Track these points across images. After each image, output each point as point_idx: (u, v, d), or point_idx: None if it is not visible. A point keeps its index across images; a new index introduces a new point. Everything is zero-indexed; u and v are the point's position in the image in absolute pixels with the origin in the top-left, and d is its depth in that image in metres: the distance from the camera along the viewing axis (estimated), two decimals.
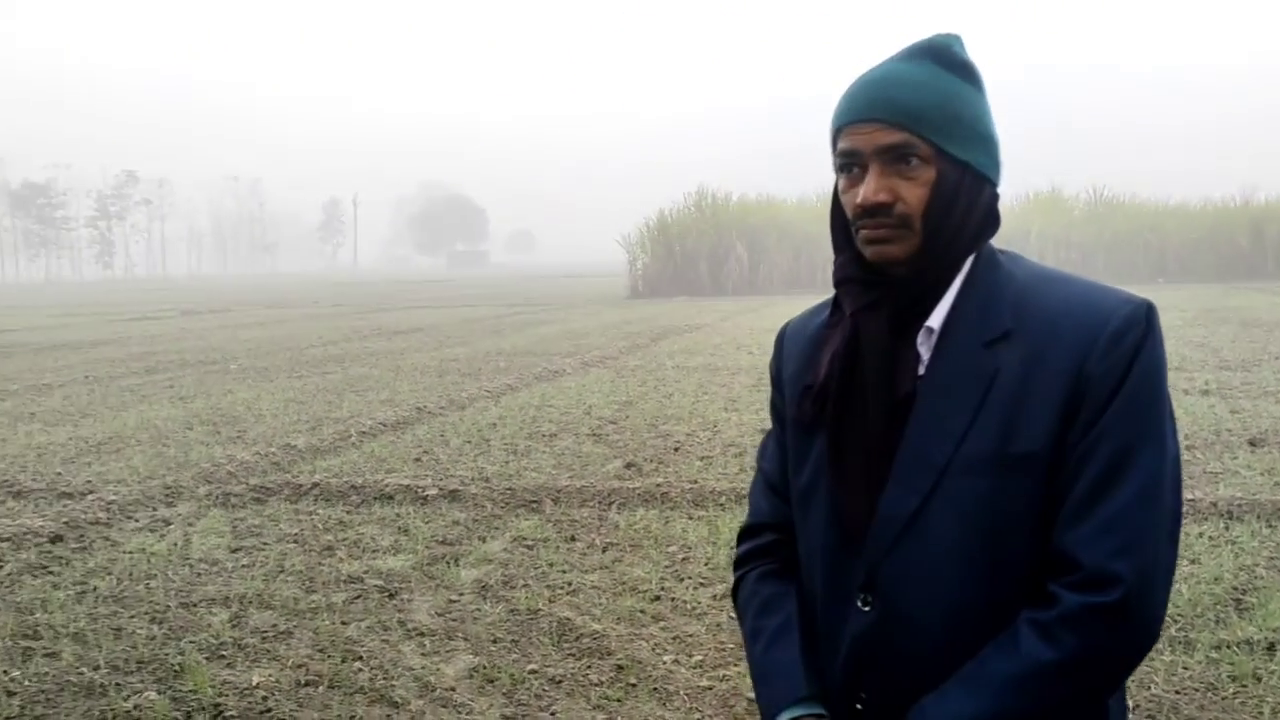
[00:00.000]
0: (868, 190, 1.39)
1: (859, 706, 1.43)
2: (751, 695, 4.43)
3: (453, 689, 4.60)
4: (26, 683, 4.72)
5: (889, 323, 1.43)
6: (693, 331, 24.07)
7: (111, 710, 4.41)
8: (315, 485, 8.44)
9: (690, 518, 7.28)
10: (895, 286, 1.43)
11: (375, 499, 8.07)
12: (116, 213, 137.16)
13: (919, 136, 1.38)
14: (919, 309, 1.43)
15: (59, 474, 9.10)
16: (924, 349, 1.43)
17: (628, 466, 9.03)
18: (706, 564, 6.26)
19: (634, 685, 4.58)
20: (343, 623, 5.45)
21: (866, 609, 1.42)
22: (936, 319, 1.42)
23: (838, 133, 1.45)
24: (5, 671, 4.84)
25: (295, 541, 6.96)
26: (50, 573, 6.40)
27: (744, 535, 1.73)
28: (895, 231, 1.39)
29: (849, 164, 1.43)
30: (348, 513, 7.70)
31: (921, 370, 1.42)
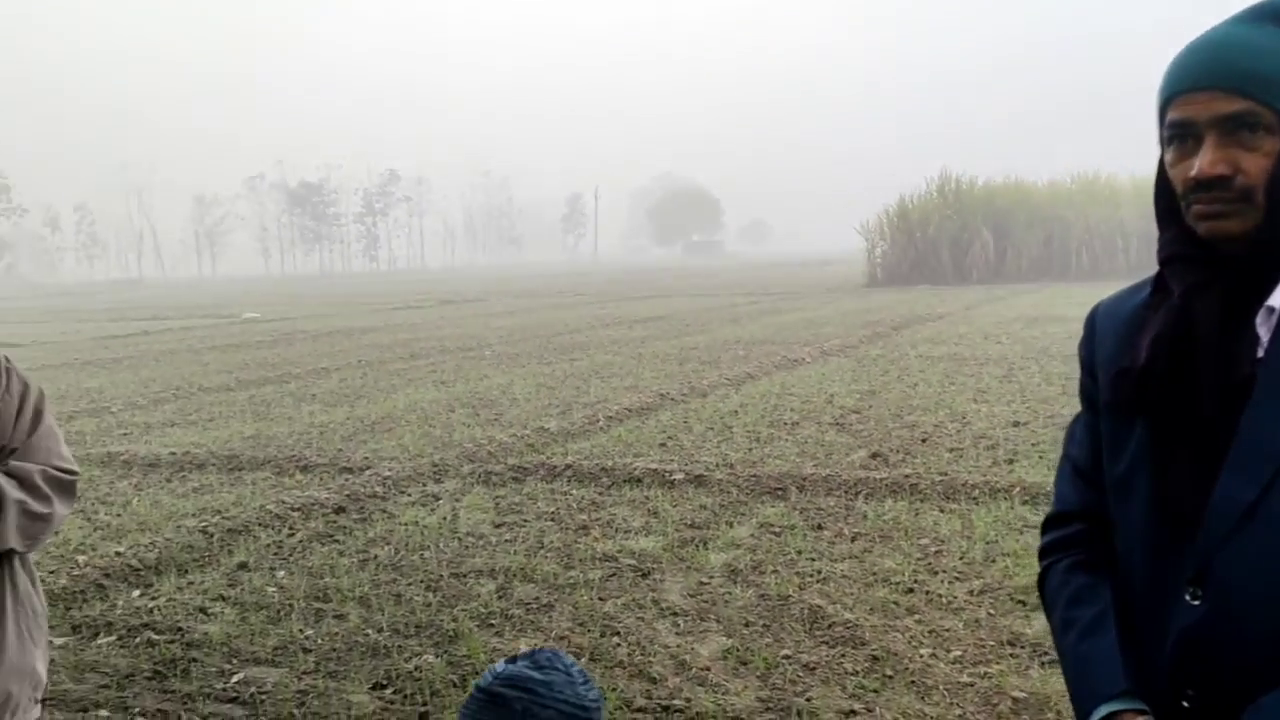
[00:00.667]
0: (1204, 162, 1.31)
1: (1185, 704, 1.36)
2: (1017, 694, 4.29)
3: (707, 669, 4.69)
4: (320, 641, 5.16)
5: (1222, 303, 1.36)
6: (935, 321, 23.37)
7: (395, 670, 4.76)
8: (568, 467, 8.77)
9: (942, 510, 7.10)
10: (1230, 265, 1.36)
11: (625, 481, 8.31)
12: (381, 209, 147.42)
13: (1263, 104, 1.30)
14: (1256, 288, 1.35)
15: (339, 450, 9.88)
16: (1263, 330, 1.34)
17: (873, 456, 8.89)
18: (961, 558, 6.08)
19: (890, 677, 4.52)
20: (600, 599, 5.66)
21: (1196, 602, 1.35)
22: (1279, 298, 1.33)
23: (1167, 102, 1.37)
24: (301, 630, 5.32)
25: (552, 519, 7.27)
26: (335, 541, 6.96)
27: (1050, 524, 1.67)
28: (1233, 206, 1.31)
29: (1181, 135, 1.36)
30: (599, 494, 7.97)
31: (1260, 353, 1.33)
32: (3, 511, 2.13)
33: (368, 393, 14.18)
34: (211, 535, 6.93)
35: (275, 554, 6.65)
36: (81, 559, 6.36)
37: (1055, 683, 4.38)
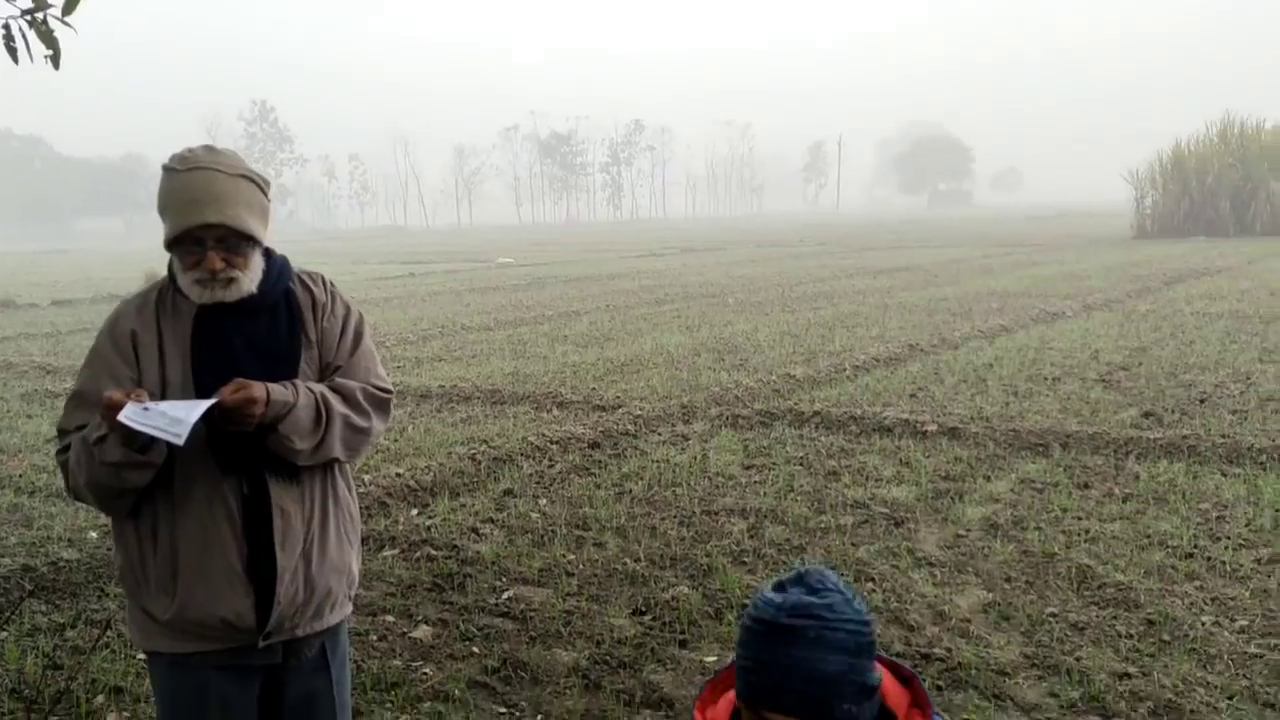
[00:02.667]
0: None
1: None
2: None
3: (968, 620, 4.59)
4: (581, 566, 5.40)
5: None
6: (1213, 275, 21.58)
7: (653, 598, 4.92)
8: (816, 413, 8.73)
9: (1224, 474, 6.60)
10: None
11: (874, 430, 8.18)
12: (625, 159, 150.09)
13: None
14: None
15: (593, 389, 10.22)
16: None
17: (1145, 415, 8.35)
18: (1247, 525, 5.65)
19: (1167, 642, 4.28)
20: (852, 544, 5.63)
21: None
22: None
23: None
24: (563, 555, 5.58)
25: (801, 464, 7.27)
26: (591, 474, 7.23)
27: None
28: None
29: None
30: (848, 441, 7.89)
31: None
32: (330, 424, 2.33)
33: (616, 335, 14.57)
34: (479, 462, 7.36)
35: (537, 483, 6.99)
36: (366, 478, 6.90)
37: None
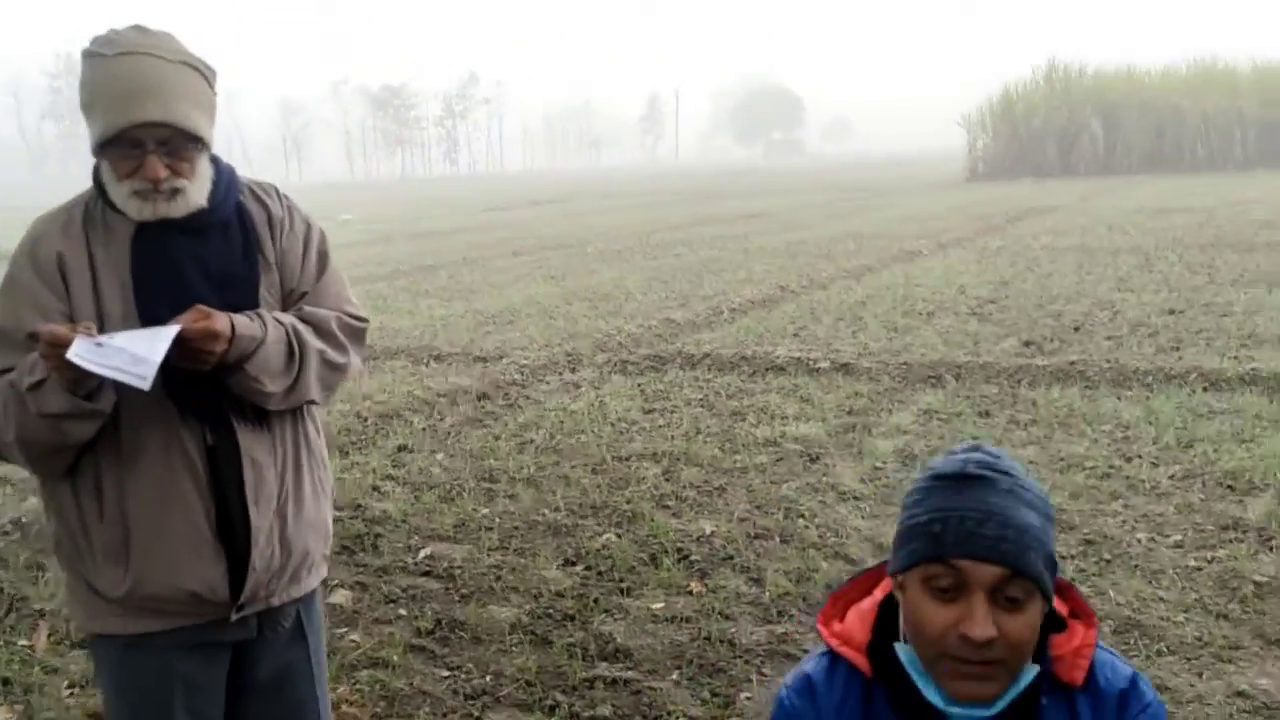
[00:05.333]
0: None
1: None
2: (1258, 579, 4.03)
3: None
4: (498, 520, 5.08)
5: None
6: (1050, 213, 22.49)
7: (582, 548, 4.66)
8: (706, 355, 8.58)
9: (1119, 398, 6.75)
10: None
11: (767, 369, 8.08)
12: (460, 113, 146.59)
13: None
14: None
15: (470, 341, 9.80)
16: None
17: (1026, 345, 8.52)
18: (1154, 444, 5.77)
19: (1109, 561, 4.28)
20: (773, 482, 5.49)
21: None
22: None
23: None
24: (475, 509, 5.24)
25: (703, 406, 7.10)
26: (486, 425, 6.88)
27: None
28: None
29: None
30: (744, 381, 7.77)
31: None
32: (304, 361, 1.96)
33: (480, 288, 14.10)
34: (366, 419, 6.91)
35: (432, 437, 6.60)
36: None
37: None
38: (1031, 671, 1.38)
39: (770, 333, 9.63)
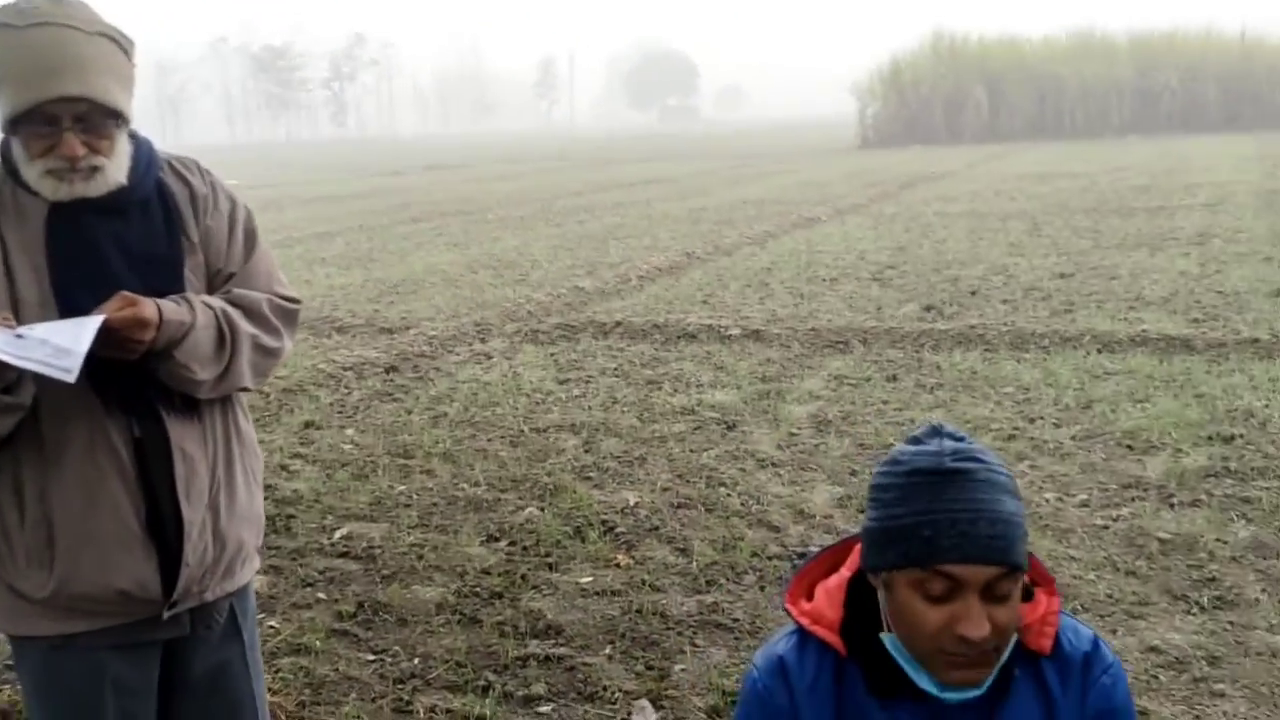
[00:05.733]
0: None
1: None
2: (1163, 535, 4.20)
3: (829, 516, 4.57)
4: (415, 496, 4.99)
5: None
6: (940, 180, 22.99)
7: (505, 523, 4.60)
8: (618, 324, 8.55)
9: (1017, 361, 6.94)
10: None
11: (679, 337, 8.10)
12: (348, 74, 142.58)
13: None
14: None
15: (374, 311, 9.59)
16: None
17: (927, 309, 8.71)
18: (1054, 405, 5.95)
19: None
20: (692, 451, 5.50)
21: None
22: None
23: None
24: (392, 486, 5.14)
25: (617, 375, 7.07)
26: (396, 399, 6.75)
27: None
28: None
29: None
30: (657, 350, 7.77)
31: None
32: (236, 347, 1.86)
33: (380, 256, 13.81)
34: (268, 395, 6.70)
35: (339, 412, 6.44)
36: None
37: (1197, 523, 4.28)
38: (1011, 643, 1.40)
39: (680, 300, 9.65)
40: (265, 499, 4.72)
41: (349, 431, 6.05)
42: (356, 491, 5.05)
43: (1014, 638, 1.39)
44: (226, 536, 1.94)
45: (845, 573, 1.53)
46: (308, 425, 6.18)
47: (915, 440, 1.42)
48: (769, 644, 1.57)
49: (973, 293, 9.33)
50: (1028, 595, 1.46)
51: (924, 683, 1.38)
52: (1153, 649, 3.38)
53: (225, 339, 1.85)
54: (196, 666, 2.00)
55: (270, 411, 6.47)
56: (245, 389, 1.95)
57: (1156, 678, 3.21)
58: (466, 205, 21.25)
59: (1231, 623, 3.54)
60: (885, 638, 1.42)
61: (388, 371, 7.38)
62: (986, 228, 13.82)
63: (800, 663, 1.50)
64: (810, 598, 1.56)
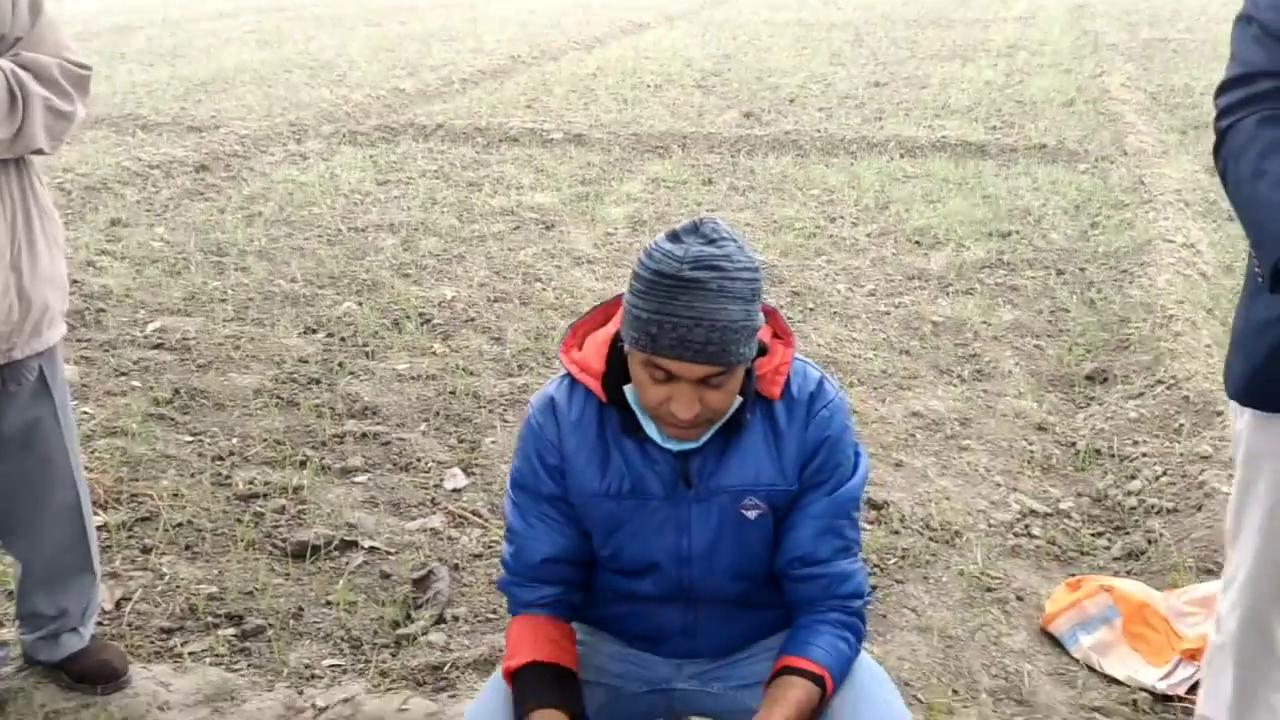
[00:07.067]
0: None
1: None
2: (935, 319, 4.61)
3: None
4: (230, 292, 4.97)
5: None
6: None
7: (322, 316, 4.67)
8: (439, 126, 8.43)
9: (826, 165, 7.25)
10: None
11: (501, 141, 8.07)
12: None
13: None
14: None
15: (180, 109, 9.13)
16: None
17: (746, 116, 8.89)
18: (855, 206, 6.30)
19: (812, 309, 4.76)
20: (510, 249, 5.63)
21: None
22: None
23: None
24: (206, 282, 5.10)
25: (438, 177, 7.05)
26: (208, 198, 6.57)
27: (1229, 86, 1.62)
28: None
29: None
30: (479, 153, 7.74)
31: None
32: (28, 106, 1.87)
33: (186, 52, 12.98)
34: (70, 192, 6.41)
35: (148, 210, 6.25)
36: None
37: (968, 308, 4.72)
38: (735, 405, 1.60)
39: (503, 104, 9.53)
40: (72, 294, 4.65)
41: (159, 229, 5.90)
42: (169, 287, 5.00)
43: (736, 402, 1.59)
44: (31, 297, 1.99)
45: (611, 329, 1.70)
46: (114, 223, 5.98)
47: (674, 236, 1.52)
48: (544, 387, 1.77)
49: (791, 100, 9.55)
50: (764, 351, 1.67)
51: (653, 432, 1.61)
52: (915, 414, 3.80)
53: (16, 98, 1.86)
54: (8, 423, 2.08)
55: (73, 209, 6.21)
56: (40, 151, 1.98)
57: (914, 436, 3.63)
58: (279, 1, 19.97)
59: (985, 390, 4.00)
60: (628, 389, 1.61)
61: (198, 170, 7.13)
62: (811, 37, 13.96)
63: (568, 402, 1.69)
64: (582, 348, 1.74)
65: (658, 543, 1.69)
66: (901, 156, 7.42)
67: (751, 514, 1.67)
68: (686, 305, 1.45)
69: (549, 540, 1.71)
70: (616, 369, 1.63)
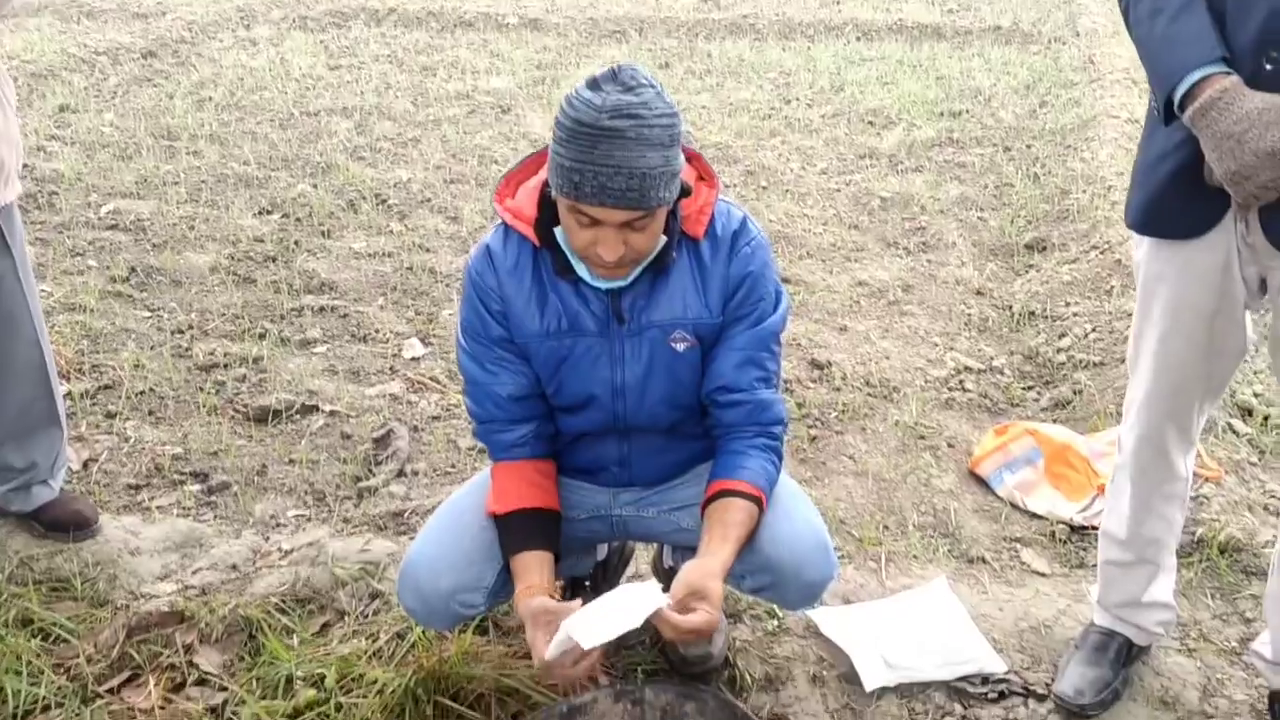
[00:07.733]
0: None
1: (1268, 67, 1.52)
2: (883, 194, 4.70)
3: None
4: (183, 175, 4.96)
5: None
6: None
7: (277, 197, 4.68)
8: (392, 10, 8.29)
9: (783, 49, 7.23)
10: None
11: (456, 25, 7.97)
12: None
13: None
14: None
15: None
16: None
17: (703, 0, 8.81)
18: (810, 88, 6.32)
19: (766, 187, 4.83)
20: (466, 133, 5.62)
21: (1270, 67, 1.48)
22: None
23: None
24: (158, 166, 5.07)
25: (391, 62, 6.97)
26: (156, 84, 6.48)
27: None
28: None
29: None
30: (433, 38, 7.64)
31: None
32: None
33: None
34: (16, 80, 6.29)
35: (96, 96, 6.16)
36: None
37: (917, 185, 4.81)
38: (659, 244, 1.68)
39: None
40: (23, 178, 4.63)
41: (108, 115, 5.83)
42: (120, 171, 4.97)
43: (661, 242, 1.67)
44: None
45: (543, 176, 1.75)
46: (62, 109, 5.90)
47: (593, 84, 1.55)
48: (481, 239, 1.84)
49: None
50: (687, 191, 1.74)
51: (584, 272, 1.69)
52: (861, 283, 3.91)
53: None
54: None
55: (21, 96, 6.10)
56: None
57: (859, 303, 3.75)
58: None
59: (929, 260, 4.11)
60: (558, 231, 1.68)
61: (145, 57, 7.01)
62: None
63: (504, 249, 1.77)
64: (515, 196, 1.81)
65: (594, 376, 1.79)
66: (858, 40, 7.41)
67: (680, 346, 1.77)
68: (606, 154, 1.50)
69: (511, 380, 1.80)
70: (548, 214, 1.69)
